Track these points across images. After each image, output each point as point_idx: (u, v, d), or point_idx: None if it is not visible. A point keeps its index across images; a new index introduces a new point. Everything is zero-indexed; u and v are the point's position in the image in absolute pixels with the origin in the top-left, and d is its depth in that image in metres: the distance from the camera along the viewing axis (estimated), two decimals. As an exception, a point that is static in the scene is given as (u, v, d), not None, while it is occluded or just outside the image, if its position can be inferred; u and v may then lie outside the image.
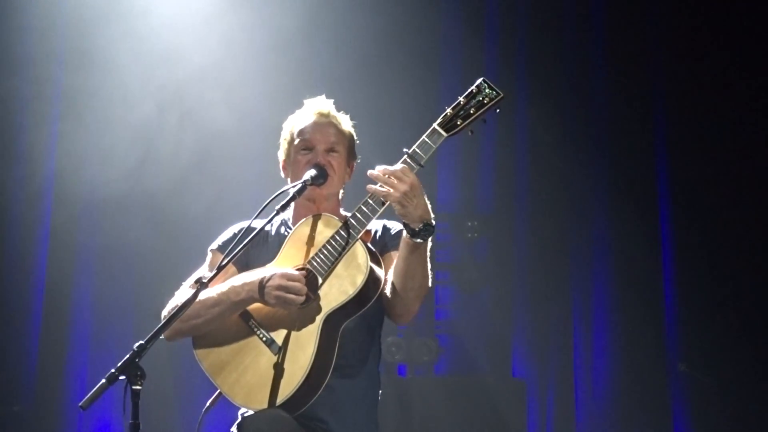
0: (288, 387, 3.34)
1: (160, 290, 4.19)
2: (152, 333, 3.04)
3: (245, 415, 3.47)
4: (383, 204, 3.35)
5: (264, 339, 3.42)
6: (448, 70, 7.69)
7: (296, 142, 3.68)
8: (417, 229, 3.29)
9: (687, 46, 7.22)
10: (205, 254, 3.73)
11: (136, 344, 2.95)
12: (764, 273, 6.93)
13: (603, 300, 7.37)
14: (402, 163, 3.31)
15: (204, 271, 3.64)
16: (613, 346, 7.27)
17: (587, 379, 7.31)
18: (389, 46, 7.32)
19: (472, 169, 7.75)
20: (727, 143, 7.07)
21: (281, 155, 3.77)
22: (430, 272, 3.43)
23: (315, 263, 3.43)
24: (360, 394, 3.56)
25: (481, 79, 3.37)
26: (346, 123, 3.74)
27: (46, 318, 7.04)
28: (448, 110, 3.35)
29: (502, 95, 3.34)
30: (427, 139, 3.33)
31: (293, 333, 3.40)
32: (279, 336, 3.41)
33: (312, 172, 3.55)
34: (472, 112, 3.33)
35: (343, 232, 3.43)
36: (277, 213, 3.43)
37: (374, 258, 3.47)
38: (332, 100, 3.76)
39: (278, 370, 3.37)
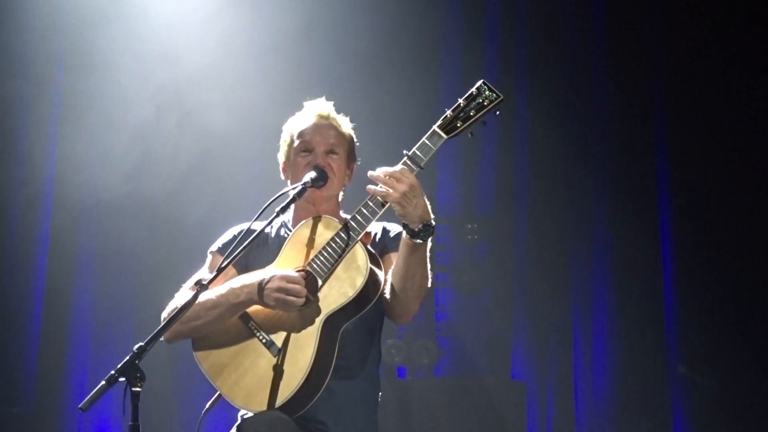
0: (287, 389, 3.34)
1: (159, 292, 4.19)
2: (152, 335, 3.04)
3: (245, 416, 3.47)
4: (383, 206, 3.35)
5: (264, 341, 3.42)
6: (448, 71, 7.69)
7: (296, 144, 3.68)
8: (416, 229, 3.29)
9: (687, 46, 7.21)
10: (205, 256, 3.73)
11: (136, 346, 2.95)
12: (764, 274, 6.93)
13: (603, 302, 7.36)
14: (402, 164, 3.31)
15: (204, 273, 3.63)
16: (613, 348, 7.26)
17: (587, 381, 7.31)
18: (389, 46, 7.31)
19: (472, 171, 7.75)
20: (727, 143, 7.07)
21: (281, 157, 3.77)
22: (429, 273, 3.43)
23: (315, 265, 3.43)
24: (360, 396, 3.56)
25: (481, 81, 3.37)
26: (346, 125, 3.74)
27: (46, 320, 7.04)
28: (448, 112, 3.35)
29: (502, 97, 3.34)
30: (427, 141, 3.33)
31: (293, 335, 3.40)
32: (279, 338, 3.41)
33: (312, 174, 3.55)
34: (472, 114, 3.33)
35: (342, 234, 3.43)
36: (277, 215, 3.43)
37: (374, 260, 3.47)
38: (332, 102, 3.76)
39: (278, 371, 3.37)
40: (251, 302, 3.42)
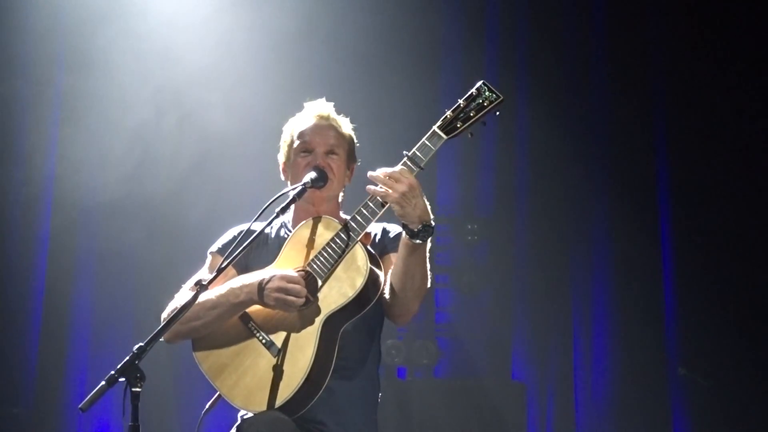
0: (287, 389, 3.34)
1: (159, 292, 4.19)
2: (152, 335, 3.04)
3: (244, 417, 3.47)
4: (383, 206, 3.36)
5: (263, 341, 3.42)
6: (449, 71, 7.69)
7: (296, 144, 3.68)
8: (416, 230, 3.29)
9: (687, 46, 7.22)
10: (205, 257, 3.73)
11: (136, 346, 2.95)
12: (764, 274, 6.93)
13: (603, 303, 7.36)
14: (402, 165, 3.31)
15: (203, 274, 3.64)
16: (613, 349, 7.26)
17: (587, 382, 7.31)
18: (389, 47, 7.31)
19: (472, 171, 7.75)
20: (727, 143, 7.07)
21: (281, 158, 3.78)
22: (429, 273, 3.44)
23: (315, 265, 3.43)
24: (359, 396, 3.56)
25: (481, 81, 3.37)
26: (346, 126, 3.75)
27: (46, 320, 7.04)
28: (448, 113, 3.35)
29: (502, 98, 3.34)
30: (426, 142, 3.34)
31: (293, 335, 3.40)
32: (278, 338, 3.42)
33: (312, 174, 3.55)
34: (472, 114, 3.34)
35: (342, 235, 3.43)
36: (277, 215, 3.43)
37: (374, 260, 3.47)
38: (332, 103, 3.76)
39: (277, 372, 3.37)
40: (251, 302, 3.42)
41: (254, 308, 3.46)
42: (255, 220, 3.43)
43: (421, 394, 6.84)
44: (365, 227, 3.40)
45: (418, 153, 3.32)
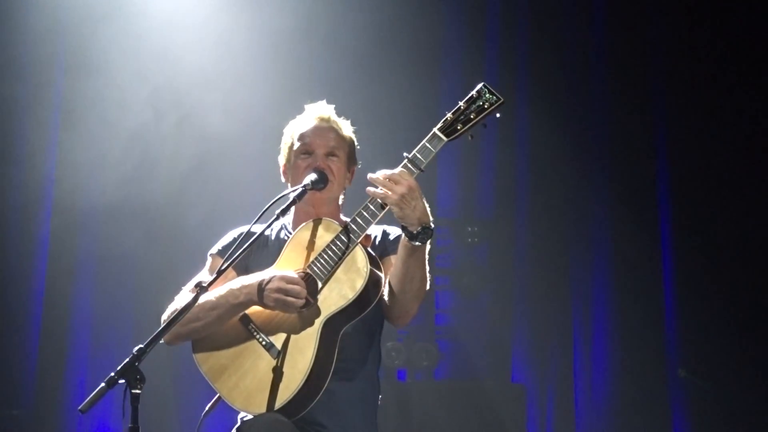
0: (287, 391, 3.34)
1: (159, 294, 4.19)
2: (152, 337, 3.03)
3: (244, 419, 3.47)
4: (383, 209, 3.35)
5: (263, 343, 3.42)
6: (449, 72, 7.69)
7: (296, 146, 3.68)
8: (415, 232, 3.29)
9: (687, 46, 7.22)
10: (205, 259, 3.73)
11: (136, 348, 2.95)
12: (764, 274, 6.92)
13: (603, 305, 7.36)
14: (402, 167, 3.31)
15: (203, 276, 3.63)
16: (613, 351, 7.26)
17: (587, 384, 7.31)
18: (389, 48, 7.31)
19: (472, 173, 7.75)
20: (727, 143, 7.07)
21: (281, 160, 3.78)
22: (428, 275, 3.43)
23: (315, 267, 3.43)
24: (359, 398, 3.56)
25: (482, 83, 3.37)
26: (346, 128, 3.75)
27: (46, 322, 7.04)
28: (449, 115, 3.35)
29: (502, 100, 3.34)
30: (427, 144, 3.34)
31: (293, 337, 3.40)
32: (278, 340, 3.41)
33: (312, 176, 3.55)
34: (472, 116, 3.34)
35: (343, 237, 3.43)
36: (277, 217, 3.43)
37: (374, 262, 3.47)
38: (333, 106, 3.76)
39: (277, 374, 3.37)
40: (251, 303, 3.42)
41: (254, 310, 3.45)
42: (255, 222, 3.42)
43: (421, 396, 6.84)
44: (365, 229, 3.40)
45: (418, 155, 3.32)
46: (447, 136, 3.34)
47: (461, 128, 3.34)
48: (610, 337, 7.29)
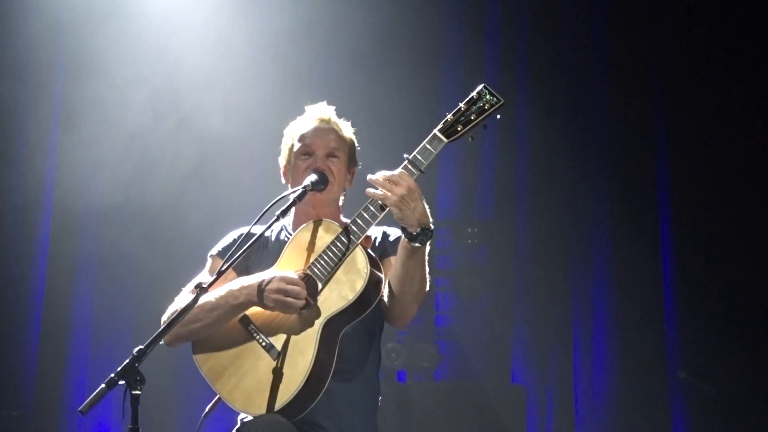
0: (287, 392, 3.34)
1: (159, 295, 4.19)
2: (152, 338, 3.04)
3: (244, 420, 3.47)
4: (383, 210, 3.35)
5: (263, 344, 3.42)
6: (449, 72, 7.69)
7: (296, 147, 3.68)
8: (415, 233, 3.28)
9: (687, 46, 7.22)
10: (205, 260, 3.73)
11: (136, 349, 2.95)
12: (764, 274, 6.92)
13: (603, 306, 7.35)
14: (402, 168, 3.31)
15: (204, 277, 3.63)
16: (613, 353, 7.26)
17: (587, 386, 7.30)
18: (389, 48, 7.31)
19: (472, 175, 7.75)
20: (727, 143, 7.06)
21: (282, 161, 3.78)
22: (428, 276, 3.44)
23: (315, 269, 3.43)
24: (359, 399, 3.56)
25: (482, 85, 3.37)
26: (347, 129, 3.75)
27: (46, 323, 7.04)
28: (449, 116, 3.35)
29: (502, 101, 3.35)
30: (427, 145, 3.33)
31: (293, 338, 3.40)
32: (278, 341, 3.41)
33: (312, 177, 3.55)
34: (472, 118, 3.34)
35: (343, 238, 3.43)
36: (278, 218, 3.43)
37: (374, 263, 3.47)
38: (333, 107, 3.76)
39: (277, 375, 3.37)
40: (250, 303, 3.42)
41: (254, 311, 3.45)
42: (255, 223, 3.42)
43: (421, 398, 6.84)
44: (365, 230, 3.39)
45: (418, 156, 3.32)
46: (447, 137, 3.34)
47: (461, 129, 3.34)
48: (610, 338, 7.28)
